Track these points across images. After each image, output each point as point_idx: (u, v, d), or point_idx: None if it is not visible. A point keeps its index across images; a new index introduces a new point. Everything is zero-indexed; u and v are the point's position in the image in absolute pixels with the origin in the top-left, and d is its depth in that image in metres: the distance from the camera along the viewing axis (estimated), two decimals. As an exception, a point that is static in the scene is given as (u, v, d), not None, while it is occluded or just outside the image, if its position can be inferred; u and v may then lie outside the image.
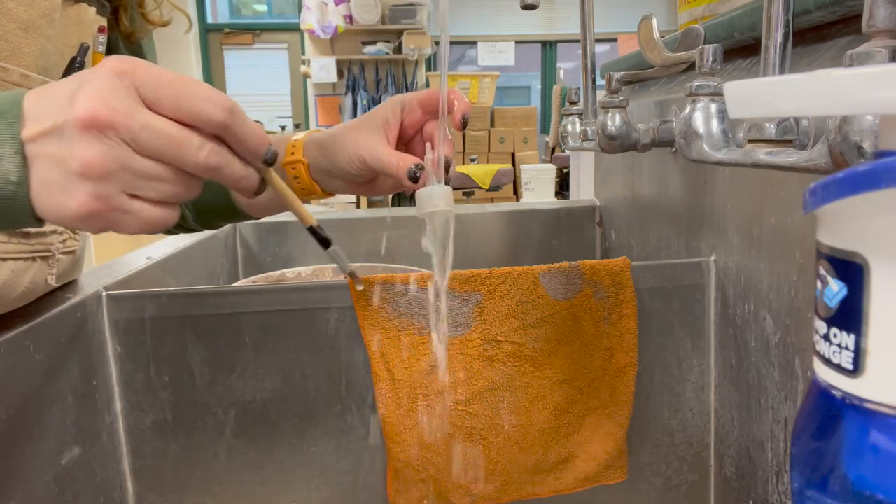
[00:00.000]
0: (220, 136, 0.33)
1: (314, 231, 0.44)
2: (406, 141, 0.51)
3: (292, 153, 0.51)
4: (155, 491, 0.55)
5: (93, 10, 0.48)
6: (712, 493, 0.61)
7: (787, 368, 0.47)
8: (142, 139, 0.30)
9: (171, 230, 0.62)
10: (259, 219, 0.59)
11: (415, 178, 0.45)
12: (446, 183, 0.46)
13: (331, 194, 0.53)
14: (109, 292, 0.53)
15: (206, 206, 0.57)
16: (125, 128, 0.30)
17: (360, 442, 0.56)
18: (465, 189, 3.21)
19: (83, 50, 0.46)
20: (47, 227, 0.47)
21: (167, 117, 0.31)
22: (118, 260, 0.66)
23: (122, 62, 0.31)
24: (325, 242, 0.45)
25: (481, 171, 3.24)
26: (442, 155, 0.46)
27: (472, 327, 0.54)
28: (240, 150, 0.34)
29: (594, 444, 0.56)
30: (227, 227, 0.91)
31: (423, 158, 0.47)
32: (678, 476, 0.60)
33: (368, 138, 0.48)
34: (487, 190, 3.23)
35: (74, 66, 0.45)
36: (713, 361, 0.58)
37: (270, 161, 0.36)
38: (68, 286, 0.53)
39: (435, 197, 0.45)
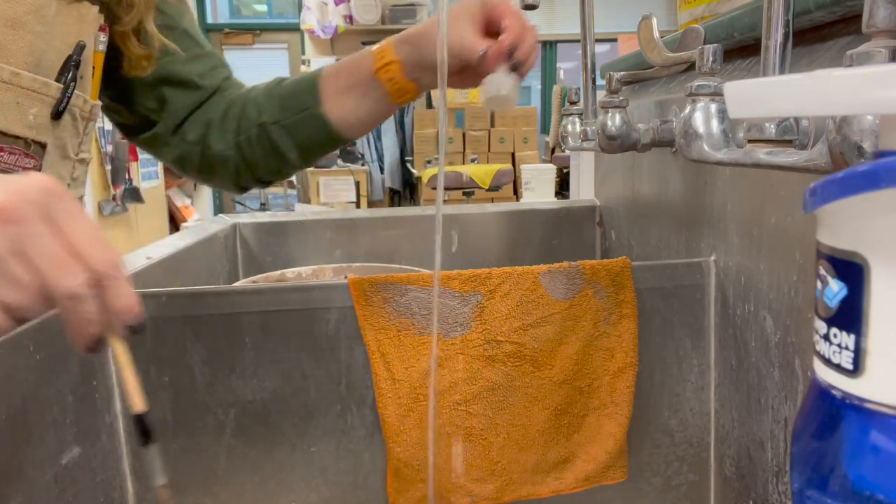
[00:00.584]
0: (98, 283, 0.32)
1: (139, 420, 0.39)
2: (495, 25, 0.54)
3: (382, 57, 0.54)
4: (155, 491, 0.55)
5: (95, 8, 0.48)
6: (712, 493, 0.61)
7: (787, 368, 0.47)
8: (31, 245, 0.29)
9: (267, 181, 0.64)
10: (357, 138, 0.63)
11: (481, 59, 0.49)
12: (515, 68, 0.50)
13: (422, 90, 0.57)
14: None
15: (310, 142, 0.60)
16: (26, 228, 0.29)
17: (360, 442, 0.56)
18: (465, 189, 3.21)
19: (79, 48, 0.46)
20: None
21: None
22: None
23: (55, 184, 0.31)
24: (145, 436, 0.39)
25: (481, 172, 3.24)
26: (511, 44, 0.50)
27: (472, 327, 0.54)
28: (108, 303, 0.32)
29: (594, 445, 0.56)
30: (227, 226, 0.91)
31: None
32: (678, 476, 0.60)
33: (456, 26, 0.51)
34: (487, 190, 3.23)
35: (71, 63, 0.45)
36: (713, 361, 0.58)
37: (137, 329, 0.35)
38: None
39: (495, 86, 0.48)
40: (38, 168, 0.44)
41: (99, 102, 0.50)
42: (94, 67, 0.49)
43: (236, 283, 0.72)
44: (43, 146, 0.44)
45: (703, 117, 0.45)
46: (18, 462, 0.43)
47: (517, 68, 0.50)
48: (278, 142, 0.60)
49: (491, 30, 0.52)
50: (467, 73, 0.54)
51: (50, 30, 0.44)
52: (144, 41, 0.54)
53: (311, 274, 0.84)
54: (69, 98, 0.45)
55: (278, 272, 0.83)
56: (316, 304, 0.54)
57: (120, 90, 0.58)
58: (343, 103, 0.58)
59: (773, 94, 0.19)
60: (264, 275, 0.82)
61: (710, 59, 0.45)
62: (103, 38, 0.50)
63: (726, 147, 0.45)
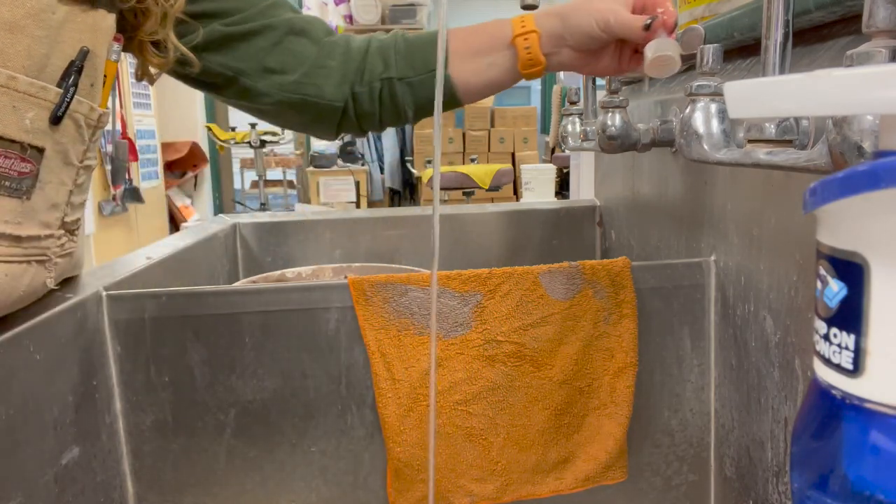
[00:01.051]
0: None
1: None
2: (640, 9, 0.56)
3: (523, 26, 0.56)
4: (155, 491, 0.55)
5: (112, 17, 0.48)
6: (712, 493, 0.61)
7: (787, 368, 0.47)
8: None
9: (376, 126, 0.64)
10: (472, 102, 0.63)
11: (648, 28, 0.52)
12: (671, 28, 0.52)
13: (551, 68, 0.58)
14: (109, 292, 0.53)
15: (430, 102, 0.59)
16: None
17: (360, 442, 0.56)
18: (465, 189, 3.21)
19: (83, 54, 0.45)
20: (42, 232, 0.46)
21: None
22: (118, 260, 0.66)
23: None
24: None
25: (481, 172, 3.24)
26: (670, 16, 0.52)
27: (473, 327, 0.54)
28: None
29: (594, 445, 0.56)
30: (227, 226, 0.91)
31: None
32: (678, 476, 0.60)
33: (613, 4, 0.54)
34: (487, 190, 3.23)
35: (73, 69, 0.45)
36: (713, 361, 0.58)
37: None
38: (68, 286, 0.53)
39: (663, 46, 0.51)
40: (36, 173, 0.44)
41: (108, 111, 0.50)
42: (106, 76, 0.49)
43: (236, 283, 0.72)
44: (41, 151, 0.44)
45: (703, 117, 0.45)
46: (18, 462, 0.43)
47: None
48: (401, 98, 0.61)
49: (638, 11, 0.54)
50: (606, 54, 0.56)
51: (54, 35, 0.43)
52: (162, 50, 0.53)
53: (311, 274, 0.84)
54: (68, 103, 0.45)
55: (278, 272, 0.83)
56: (316, 304, 0.54)
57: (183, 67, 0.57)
58: (470, 66, 0.59)
59: (773, 94, 0.19)
60: (264, 275, 0.82)
61: (710, 59, 0.45)
62: (117, 47, 0.49)
63: (726, 147, 0.45)
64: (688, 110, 0.46)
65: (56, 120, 0.44)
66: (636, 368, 0.56)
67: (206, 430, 0.55)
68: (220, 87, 0.60)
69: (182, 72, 0.58)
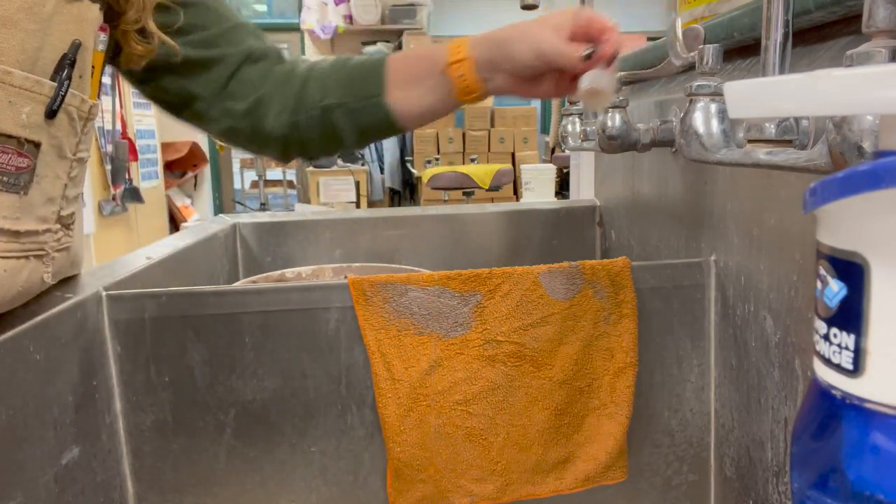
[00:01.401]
0: None
1: None
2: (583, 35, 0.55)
3: (457, 52, 0.56)
4: (155, 491, 0.55)
5: (96, 6, 0.48)
6: (712, 493, 0.61)
7: (787, 368, 0.47)
8: None
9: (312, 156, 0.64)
10: (414, 129, 0.64)
11: (588, 58, 0.51)
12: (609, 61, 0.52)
13: (489, 93, 0.57)
14: (109, 292, 0.53)
15: (369, 129, 0.60)
16: None
17: (360, 442, 0.56)
18: (465, 189, 3.21)
19: (75, 46, 0.45)
20: (39, 227, 0.46)
21: None
22: (118, 260, 0.66)
23: None
24: None
25: (481, 172, 3.24)
26: (611, 46, 0.51)
27: (472, 327, 0.54)
28: None
29: (594, 445, 0.56)
30: (227, 226, 0.91)
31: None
32: (678, 476, 0.60)
33: (549, 33, 0.53)
34: (487, 190, 3.23)
35: (66, 62, 0.45)
36: (713, 361, 0.58)
37: None
38: (68, 286, 0.53)
39: (597, 80, 0.50)
40: (33, 168, 0.44)
41: (98, 102, 0.50)
42: (93, 67, 0.49)
43: (236, 283, 0.72)
44: (37, 145, 0.44)
45: (703, 117, 0.45)
46: (19, 462, 0.43)
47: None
48: (339, 125, 0.60)
49: (579, 39, 0.53)
50: (543, 81, 0.56)
51: (45, 28, 0.43)
52: (145, 38, 0.54)
53: (311, 274, 0.84)
54: (63, 97, 0.45)
55: (278, 272, 0.83)
56: (316, 304, 0.54)
57: (144, 77, 0.58)
58: (408, 94, 0.59)
59: (773, 94, 0.19)
60: (264, 275, 0.82)
61: (710, 59, 0.45)
62: (103, 37, 0.50)
63: (726, 147, 0.45)
64: (688, 110, 0.46)
65: (51, 114, 0.45)
66: (636, 368, 0.56)
67: (206, 430, 0.55)
68: (176, 108, 0.61)
69: (145, 86, 0.59)
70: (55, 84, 0.44)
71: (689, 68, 0.61)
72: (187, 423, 0.54)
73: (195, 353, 0.54)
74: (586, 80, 0.51)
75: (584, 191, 1.00)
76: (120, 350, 0.54)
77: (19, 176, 0.43)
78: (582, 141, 0.77)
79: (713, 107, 0.45)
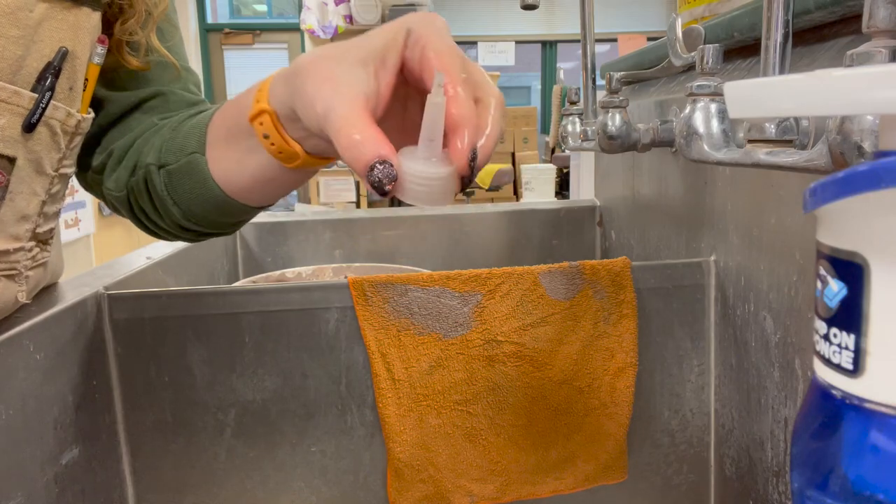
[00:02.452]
0: None
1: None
2: (417, 77, 0.34)
3: (258, 101, 0.37)
4: (155, 491, 0.55)
5: (97, 15, 0.44)
6: (712, 493, 0.61)
7: (787, 368, 0.47)
8: None
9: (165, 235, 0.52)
10: (260, 205, 0.47)
11: (380, 189, 0.31)
12: (465, 185, 0.32)
13: (321, 161, 0.39)
14: (110, 292, 0.53)
15: (192, 199, 0.46)
16: None
17: (360, 442, 0.56)
18: (466, 189, 3.22)
19: (60, 55, 0.41)
20: (11, 245, 0.42)
21: None
22: (118, 260, 0.66)
23: None
24: None
25: (481, 172, 3.25)
26: (471, 147, 0.31)
27: (473, 327, 0.54)
28: None
29: (594, 445, 0.56)
30: (227, 227, 0.91)
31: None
32: (678, 476, 0.60)
33: (338, 81, 0.32)
34: (487, 190, 3.24)
35: (49, 71, 0.41)
36: (713, 361, 0.58)
37: None
38: (68, 286, 0.53)
39: (421, 178, 0.31)
40: (6, 184, 0.40)
41: (89, 116, 0.45)
42: (87, 80, 0.44)
43: (236, 283, 0.72)
44: (11, 160, 0.40)
45: (703, 117, 0.45)
46: (19, 462, 0.43)
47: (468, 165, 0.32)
48: (159, 191, 0.47)
49: (416, 71, 0.34)
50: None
51: (30, 34, 0.40)
52: (136, 51, 0.49)
53: (311, 274, 0.84)
54: (43, 109, 0.40)
55: (278, 272, 0.83)
56: (316, 304, 0.54)
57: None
58: (225, 154, 0.43)
59: (773, 94, 0.19)
60: (264, 275, 0.82)
61: (711, 59, 0.45)
62: (101, 49, 0.45)
63: (726, 147, 0.45)
64: (688, 110, 0.46)
65: (29, 127, 0.41)
66: (636, 368, 0.56)
67: (206, 430, 0.55)
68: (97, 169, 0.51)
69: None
70: (35, 95, 0.40)
71: (690, 68, 0.61)
72: (187, 422, 0.54)
73: (195, 352, 0.54)
74: (410, 179, 0.31)
75: (584, 191, 1.00)
76: (120, 350, 0.54)
77: None
78: (582, 141, 0.77)
79: (713, 107, 0.45)
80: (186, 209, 0.47)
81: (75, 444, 0.49)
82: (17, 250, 0.43)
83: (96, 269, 0.61)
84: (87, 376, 0.51)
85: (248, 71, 5.15)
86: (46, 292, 0.52)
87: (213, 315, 0.53)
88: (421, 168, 0.31)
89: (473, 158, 0.32)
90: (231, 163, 0.43)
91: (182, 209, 0.47)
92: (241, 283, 0.73)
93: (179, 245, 0.75)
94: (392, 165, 0.31)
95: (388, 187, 0.31)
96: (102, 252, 2.76)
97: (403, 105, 0.37)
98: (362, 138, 0.31)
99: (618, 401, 0.56)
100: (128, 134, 0.49)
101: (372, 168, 0.31)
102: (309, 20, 4.58)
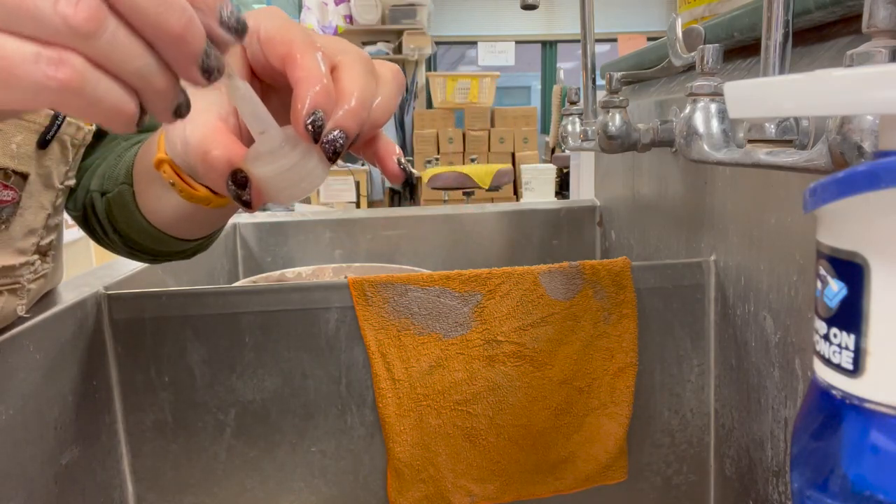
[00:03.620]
0: None
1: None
2: (277, 72, 0.30)
3: (158, 148, 0.35)
4: (155, 491, 0.55)
5: None
6: (712, 493, 0.61)
7: (786, 368, 0.47)
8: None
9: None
10: (192, 238, 0.45)
11: (245, 203, 0.28)
12: (333, 154, 0.28)
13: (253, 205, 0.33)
14: (110, 292, 0.53)
15: (129, 228, 0.45)
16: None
17: (360, 442, 0.56)
18: (465, 189, 3.23)
19: None
20: (17, 261, 0.42)
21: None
22: (118, 260, 0.66)
23: None
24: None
25: (481, 172, 3.25)
26: (313, 107, 0.27)
27: (472, 327, 0.54)
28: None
29: (594, 445, 0.56)
30: (228, 226, 0.91)
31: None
32: (678, 476, 0.60)
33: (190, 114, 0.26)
34: (487, 190, 3.24)
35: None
36: (713, 361, 0.58)
37: (236, 28, 0.24)
38: (68, 286, 0.53)
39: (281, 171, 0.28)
40: (18, 200, 0.40)
41: (93, 127, 0.45)
42: None
43: (236, 283, 0.72)
44: (24, 177, 0.40)
45: (703, 117, 0.45)
46: (19, 462, 0.43)
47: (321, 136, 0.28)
48: (100, 217, 0.46)
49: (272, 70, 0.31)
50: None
51: None
52: None
53: (311, 274, 0.84)
54: (59, 126, 0.41)
55: (278, 272, 0.83)
56: (316, 304, 0.54)
57: None
58: (146, 190, 0.42)
59: (773, 94, 0.19)
60: (264, 275, 0.82)
61: (710, 59, 0.45)
62: None
63: (726, 147, 0.45)
64: (688, 110, 0.46)
65: (44, 144, 0.40)
66: (636, 368, 0.56)
67: (206, 430, 0.55)
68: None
69: None
70: (51, 112, 0.40)
71: (690, 68, 0.61)
72: (187, 423, 0.54)
73: (195, 352, 0.54)
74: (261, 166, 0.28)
75: (584, 191, 1.00)
76: (120, 350, 0.54)
77: (2, 209, 0.40)
78: (582, 141, 0.77)
79: (713, 107, 0.45)
80: (126, 236, 0.46)
81: (75, 445, 0.49)
82: (22, 265, 0.43)
83: (96, 270, 0.61)
84: (86, 376, 0.51)
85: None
86: (46, 293, 0.52)
87: (213, 315, 0.53)
88: (267, 166, 0.28)
89: (315, 122, 0.27)
90: (152, 199, 0.42)
91: (122, 236, 0.47)
92: (241, 284, 0.73)
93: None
94: (242, 171, 0.28)
95: (246, 198, 0.28)
96: (102, 252, 2.75)
97: (285, 105, 0.31)
98: (214, 154, 0.28)
99: (618, 401, 0.56)
100: (97, 151, 0.49)
101: (227, 183, 0.28)
102: (309, 20, 4.58)
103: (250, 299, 0.53)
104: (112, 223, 0.46)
